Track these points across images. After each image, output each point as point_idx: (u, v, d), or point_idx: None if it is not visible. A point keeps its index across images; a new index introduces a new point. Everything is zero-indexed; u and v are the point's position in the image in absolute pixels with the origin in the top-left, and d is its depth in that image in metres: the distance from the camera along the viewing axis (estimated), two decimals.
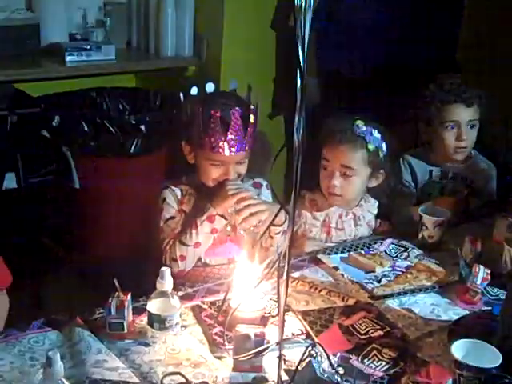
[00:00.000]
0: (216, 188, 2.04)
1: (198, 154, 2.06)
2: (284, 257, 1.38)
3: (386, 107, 2.86)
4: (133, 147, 2.90)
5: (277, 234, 2.08)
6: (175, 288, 1.66)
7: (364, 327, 1.71)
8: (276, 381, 1.44)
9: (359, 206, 2.34)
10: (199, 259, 2.09)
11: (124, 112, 3.13)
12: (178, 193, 2.11)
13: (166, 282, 1.60)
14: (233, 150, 1.98)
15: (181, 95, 2.05)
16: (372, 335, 1.68)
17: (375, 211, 2.37)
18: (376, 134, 2.23)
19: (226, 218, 2.03)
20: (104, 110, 3.12)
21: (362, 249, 2.15)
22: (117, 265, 2.12)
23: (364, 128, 2.21)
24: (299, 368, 1.49)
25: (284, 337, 1.47)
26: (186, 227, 2.05)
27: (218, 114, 1.94)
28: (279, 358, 1.44)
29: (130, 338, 1.60)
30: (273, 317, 1.70)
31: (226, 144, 1.96)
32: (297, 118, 1.26)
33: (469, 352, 1.48)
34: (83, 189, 2.74)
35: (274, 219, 1.57)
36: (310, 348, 1.50)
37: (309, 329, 1.67)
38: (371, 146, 2.20)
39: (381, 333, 1.69)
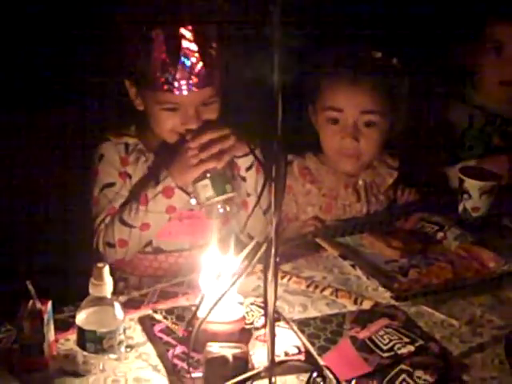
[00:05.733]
0: (174, 149, 2.00)
1: (145, 97, 2.04)
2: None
3: None
4: None
5: (248, 169, 2.10)
6: (115, 289, 1.62)
7: (387, 341, 1.69)
8: None
9: (372, 170, 2.35)
10: (148, 243, 2.08)
11: None
12: (122, 148, 2.09)
13: (103, 284, 1.55)
14: (190, 86, 1.96)
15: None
16: (399, 352, 1.66)
17: (394, 175, 2.38)
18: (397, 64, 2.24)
19: (189, 194, 2.00)
20: None
21: (379, 228, 2.15)
22: (29, 258, 2.08)
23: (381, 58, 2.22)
24: None
25: (275, 358, 1.45)
26: (130, 199, 2.03)
27: (161, 36, 1.91)
28: None
29: (52, 366, 1.56)
30: (257, 329, 1.68)
31: (179, 79, 1.94)
32: None
33: None
34: None
35: None
36: (313, 375, 1.48)
37: (309, 345, 1.65)
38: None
39: (411, 348, 1.67)
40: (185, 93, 1.95)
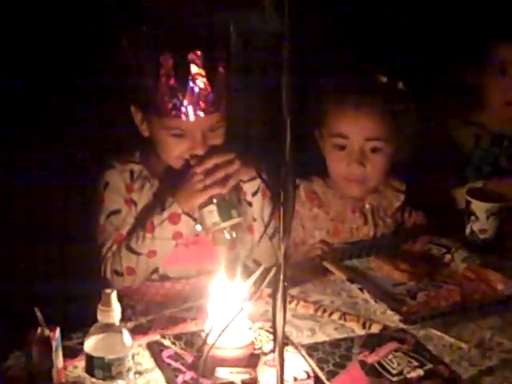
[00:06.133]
0: (180, 175, 2.00)
1: (152, 123, 2.04)
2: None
3: None
4: None
5: (254, 194, 2.10)
6: (122, 316, 1.62)
7: (396, 365, 1.69)
8: None
9: (378, 193, 2.35)
10: (155, 270, 2.07)
11: None
12: (127, 175, 2.09)
13: (111, 310, 1.55)
14: (198, 112, 1.96)
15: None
16: (408, 376, 1.65)
17: (401, 198, 2.38)
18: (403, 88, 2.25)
19: (195, 220, 2.00)
20: None
21: (386, 251, 2.14)
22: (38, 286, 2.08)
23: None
24: None
25: None
26: (136, 227, 2.02)
27: (169, 61, 1.91)
28: None
29: None
30: (265, 354, 1.68)
31: (186, 105, 1.94)
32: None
33: None
34: None
35: None
36: None
37: (318, 370, 1.65)
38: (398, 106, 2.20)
39: (421, 372, 1.67)
40: (192, 118, 1.95)
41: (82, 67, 2.73)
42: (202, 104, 1.95)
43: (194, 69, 1.92)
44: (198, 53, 1.91)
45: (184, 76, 1.92)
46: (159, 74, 1.92)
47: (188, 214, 1.99)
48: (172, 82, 1.92)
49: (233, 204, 1.99)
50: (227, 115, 2.05)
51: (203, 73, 1.93)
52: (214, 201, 1.96)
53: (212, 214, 1.96)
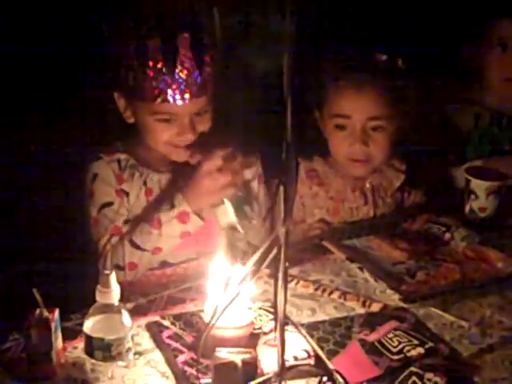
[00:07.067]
0: (189, 173, 1.97)
1: (137, 108, 2.01)
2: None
3: None
4: None
5: (251, 180, 2.11)
6: (122, 298, 1.62)
7: (396, 343, 1.68)
8: None
9: (379, 173, 2.35)
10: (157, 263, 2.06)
11: None
12: (115, 165, 2.06)
13: (110, 291, 1.55)
14: (186, 96, 1.94)
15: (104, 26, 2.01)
16: (409, 354, 1.65)
17: (402, 177, 2.38)
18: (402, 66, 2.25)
19: (203, 219, 1.98)
20: None
21: (386, 230, 2.14)
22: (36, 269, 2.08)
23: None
24: None
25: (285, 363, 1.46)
26: (139, 221, 1.99)
27: (157, 45, 1.89)
28: None
29: (60, 375, 1.56)
30: (266, 334, 1.67)
31: (174, 89, 1.92)
32: None
33: None
34: None
35: None
36: (323, 379, 1.48)
37: (318, 349, 1.65)
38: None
39: (421, 350, 1.67)
40: (179, 103, 1.93)
41: (65, 56, 2.69)
42: (189, 87, 1.93)
43: (182, 52, 1.91)
44: (186, 35, 1.90)
45: (171, 59, 1.90)
46: (146, 58, 1.90)
47: (198, 214, 1.96)
48: (160, 65, 1.90)
49: (245, 200, 1.98)
50: (214, 99, 2.02)
51: (191, 56, 1.91)
52: (226, 200, 1.94)
53: (226, 213, 1.95)
